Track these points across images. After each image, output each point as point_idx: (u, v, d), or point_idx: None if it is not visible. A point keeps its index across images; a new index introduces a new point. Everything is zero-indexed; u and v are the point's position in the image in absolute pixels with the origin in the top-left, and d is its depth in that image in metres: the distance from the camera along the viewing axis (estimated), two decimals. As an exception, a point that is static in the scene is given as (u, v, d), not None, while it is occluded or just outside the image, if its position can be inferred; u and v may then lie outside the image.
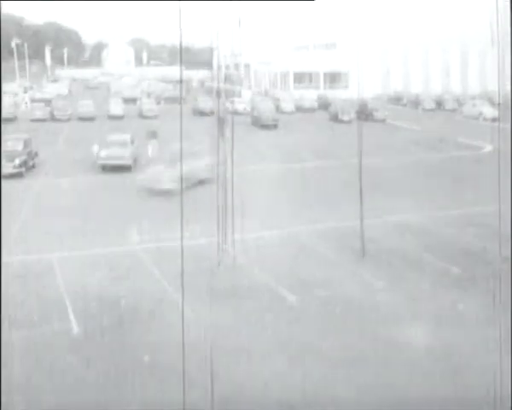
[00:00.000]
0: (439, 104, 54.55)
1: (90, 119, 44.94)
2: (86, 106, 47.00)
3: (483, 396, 10.71)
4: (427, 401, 11.02)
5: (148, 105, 49.57)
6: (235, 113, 38.27)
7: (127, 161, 30.01)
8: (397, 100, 59.30)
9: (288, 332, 13.55)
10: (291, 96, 58.07)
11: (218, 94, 45.82)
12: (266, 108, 46.50)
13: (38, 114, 45.47)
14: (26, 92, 56.28)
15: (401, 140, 35.83)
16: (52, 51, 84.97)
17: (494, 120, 42.67)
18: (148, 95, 58.76)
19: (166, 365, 11.80)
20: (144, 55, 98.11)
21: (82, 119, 45.20)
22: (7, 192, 21.46)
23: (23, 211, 21.79)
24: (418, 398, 11.09)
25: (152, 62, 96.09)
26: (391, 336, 13.20)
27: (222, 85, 52.54)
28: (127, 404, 10.87)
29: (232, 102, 44.93)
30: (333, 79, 67.60)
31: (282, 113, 49.12)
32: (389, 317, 14.18)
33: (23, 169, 29.26)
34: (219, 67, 59.32)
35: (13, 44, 67.76)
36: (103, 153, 30.02)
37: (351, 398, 11.08)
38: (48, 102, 51.25)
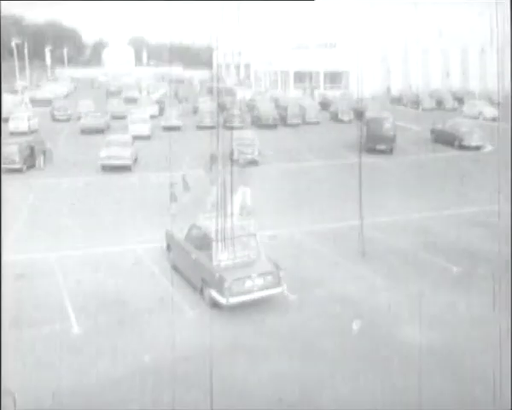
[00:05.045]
0: (440, 104, 54.58)
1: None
2: (86, 106, 46.98)
3: (483, 396, 10.73)
4: (427, 400, 11.03)
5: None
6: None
7: (127, 161, 30.03)
8: (397, 100, 59.31)
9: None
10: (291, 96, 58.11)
11: (219, 93, 45.86)
12: (266, 108, 46.42)
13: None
14: (25, 92, 56.35)
15: (401, 140, 35.85)
16: (52, 51, 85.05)
17: (494, 119, 42.70)
18: (148, 94, 58.85)
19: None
20: (144, 55, 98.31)
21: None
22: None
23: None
24: (417, 397, 11.10)
25: (152, 62, 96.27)
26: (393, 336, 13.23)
27: (222, 85, 52.59)
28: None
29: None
30: (333, 78, 67.63)
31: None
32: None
33: (23, 167, 29.47)
34: (219, 67, 59.41)
35: (13, 44, 67.84)
36: (103, 153, 30.02)
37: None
38: (48, 101, 51.26)
